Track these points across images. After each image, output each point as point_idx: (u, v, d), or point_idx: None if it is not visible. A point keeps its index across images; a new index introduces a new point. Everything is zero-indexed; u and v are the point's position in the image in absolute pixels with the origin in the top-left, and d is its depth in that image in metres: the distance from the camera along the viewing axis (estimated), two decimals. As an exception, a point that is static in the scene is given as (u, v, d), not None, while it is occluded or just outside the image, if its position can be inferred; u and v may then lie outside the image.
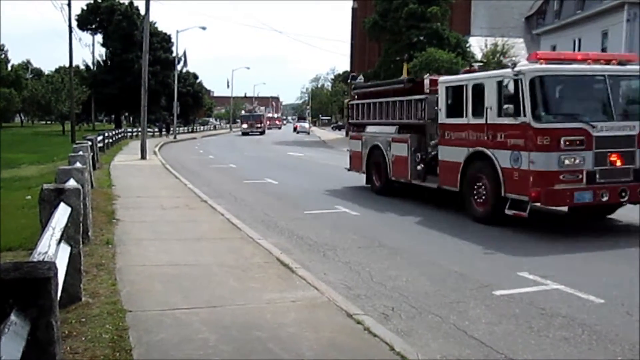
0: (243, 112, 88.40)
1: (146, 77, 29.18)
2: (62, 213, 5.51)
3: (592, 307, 6.55)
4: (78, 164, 10.74)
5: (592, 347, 5.44)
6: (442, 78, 13.33)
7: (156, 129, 62.24)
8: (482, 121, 11.34)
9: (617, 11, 36.18)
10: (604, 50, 37.74)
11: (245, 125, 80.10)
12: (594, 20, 38.87)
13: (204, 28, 71.63)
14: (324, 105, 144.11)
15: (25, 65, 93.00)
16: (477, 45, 44.77)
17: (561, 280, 7.39)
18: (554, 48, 44.26)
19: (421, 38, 46.41)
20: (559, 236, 10.49)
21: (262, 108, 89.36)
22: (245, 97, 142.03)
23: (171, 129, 61.02)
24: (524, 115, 10.31)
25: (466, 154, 11.81)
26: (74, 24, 56.57)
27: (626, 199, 10.45)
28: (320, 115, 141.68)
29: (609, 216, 12.16)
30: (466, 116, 11.93)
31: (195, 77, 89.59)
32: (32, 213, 9.29)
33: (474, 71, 13.15)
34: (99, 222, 10.37)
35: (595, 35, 38.67)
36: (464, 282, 7.53)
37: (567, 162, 10.03)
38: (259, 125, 79.01)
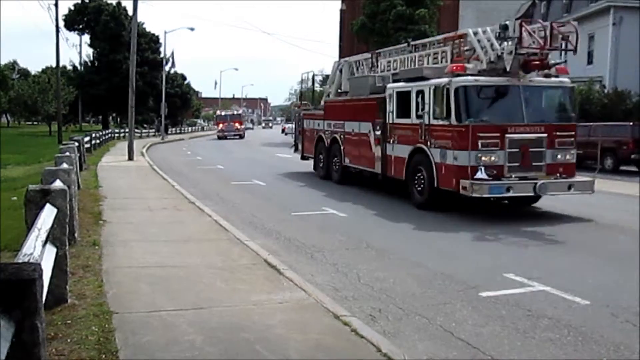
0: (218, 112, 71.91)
1: (134, 78, 29.02)
2: (48, 214, 5.46)
3: (578, 308, 6.60)
4: (64, 165, 10.67)
5: (578, 348, 5.49)
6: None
7: (144, 130, 61.96)
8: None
9: (603, 15, 36.49)
10: (590, 53, 38.11)
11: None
12: (580, 23, 38.80)
13: (192, 29, 71.85)
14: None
15: (12, 66, 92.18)
16: (464, 47, 44.96)
17: (547, 282, 7.45)
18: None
19: (409, 40, 46.55)
20: (546, 238, 10.56)
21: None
22: (233, 98, 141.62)
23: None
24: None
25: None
26: (61, 24, 56.38)
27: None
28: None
29: (592, 217, 12.27)
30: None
31: (184, 78, 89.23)
32: (18, 214, 9.21)
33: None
34: (86, 223, 10.31)
35: (581, 38, 38.86)
36: (451, 283, 7.56)
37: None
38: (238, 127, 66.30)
